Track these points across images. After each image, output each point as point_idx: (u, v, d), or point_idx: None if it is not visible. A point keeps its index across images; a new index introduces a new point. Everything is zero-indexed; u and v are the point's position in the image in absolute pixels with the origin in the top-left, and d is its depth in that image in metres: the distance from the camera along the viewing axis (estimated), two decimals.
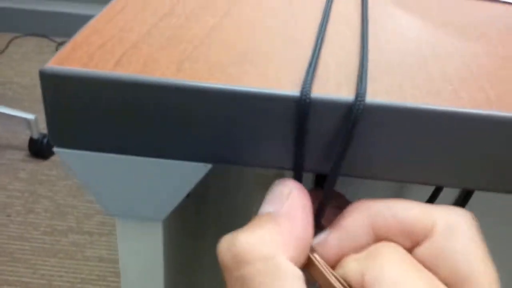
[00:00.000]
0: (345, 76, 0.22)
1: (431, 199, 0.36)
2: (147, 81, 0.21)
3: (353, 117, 0.20)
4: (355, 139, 0.21)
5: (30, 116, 1.60)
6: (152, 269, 0.26)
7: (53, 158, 1.64)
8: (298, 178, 0.21)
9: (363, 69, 0.21)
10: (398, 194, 0.41)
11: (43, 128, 1.72)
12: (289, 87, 0.21)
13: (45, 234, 1.40)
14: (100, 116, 0.22)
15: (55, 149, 0.23)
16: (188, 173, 0.23)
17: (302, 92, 0.19)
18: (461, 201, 0.37)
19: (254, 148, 0.22)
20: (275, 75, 0.22)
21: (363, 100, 0.20)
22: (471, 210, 0.20)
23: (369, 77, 0.22)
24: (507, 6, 0.32)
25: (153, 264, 0.26)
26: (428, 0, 0.31)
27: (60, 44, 2.28)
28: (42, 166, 1.62)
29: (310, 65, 0.21)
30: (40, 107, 1.88)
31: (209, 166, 0.23)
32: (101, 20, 0.26)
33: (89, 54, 0.22)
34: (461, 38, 0.26)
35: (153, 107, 0.21)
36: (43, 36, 2.33)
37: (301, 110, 0.19)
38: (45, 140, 1.61)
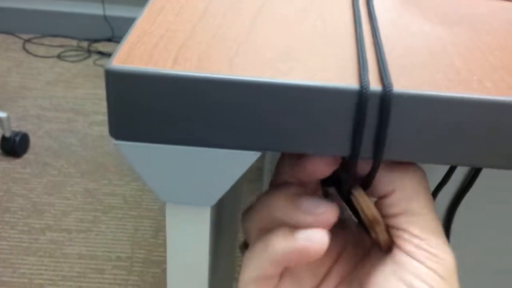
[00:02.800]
0: (378, 70, 0.24)
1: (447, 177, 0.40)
2: (208, 78, 0.23)
3: (385, 106, 0.23)
4: (393, 126, 0.23)
5: (1, 114, 1.57)
6: (198, 254, 0.28)
7: (25, 156, 1.62)
8: (353, 165, 0.24)
9: (382, 61, 0.24)
10: None
11: (14, 126, 1.69)
12: (337, 81, 0.23)
13: (22, 233, 1.39)
14: (160, 110, 0.24)
15: (115, 142, 0.25)
16: (239, 161, 0.25)
17: (362, 85, 0.22)
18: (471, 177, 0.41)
19: (301, 137, 0.24)
20: (321, 69, 0.24)
21: (391, 90, 0.22)
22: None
23: (402, 69, 0.24)
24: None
25: (199, 248, 0.28)
26: None
27: (27, 40, 2.24)
28: (15, 164, 1.60)
29: (362, 58, 0.23)
30: (11, 104, 1.85)
31: (258, 154, 0.25)
32: (145, 21, 0.27)
33: (147, 53, 0.24)
34: (474, 33, 0.29)
35: (208, 101, 0.23)
36: (9, 33, 2.28)
37: (362, 102, 0.22)
38: (17, 138, 1.59)
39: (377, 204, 0.27)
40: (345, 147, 0.24)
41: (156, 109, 0.24)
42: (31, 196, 1.50)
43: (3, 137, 1.60)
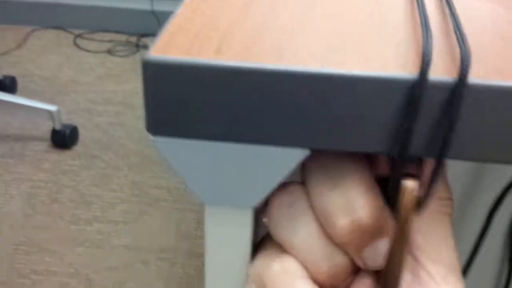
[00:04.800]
0: (451, 59, 0.22)
1: None
2: (253, 68, 0.21)
3: (456, 98, 0.20)
4: (460, 121, 0.21)
5: (52, 108, 1.61)
6: (238, 257, 0.27)
7: (75, 148, 1.66)
8: (403, 163, 0.22)
9: (463, 49, 0.22)
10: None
11: (65, 119, 1.73)
12: (394, 70, 0.21)
13: (70, 224, 1.41)
14: (200, 103, 0.22)
15: (152, 138, 0.23)
16: (284, 159, 0.23)
17: (420, 75, 0.20)
18: None
19: (354, 133, 0.22)
20: (376, 60, 0.22)
21: (465, 81, 0.20)
22: None
23: (472, 58, 0.22)
24: None
25: (239, 252, 0.26)
26: None
27: (78, 36, 2.29)
28: (65, 156, 1.63)
29: (425, 47, 0.21)
30: (62, 98, 1.90)
31: (306, 151, 0.23)
32: (187, 9, 0.26)
33: (188, 42, 0.23)
34: None
35: (253, 94, 0.22)
36: (61, 28, 2.34)
37: (419, 93, 0.20)
38: (67, 131, 1.62)
39: None
40: (394, 145, 0.21)
41: (196, 103, 0.22)
42: (80, 188, 1.53)
43: (54, 130, 1.64)
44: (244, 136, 0.23)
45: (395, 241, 0.23)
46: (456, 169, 0.44)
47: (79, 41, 2.27)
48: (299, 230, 0.24)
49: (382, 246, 0.24)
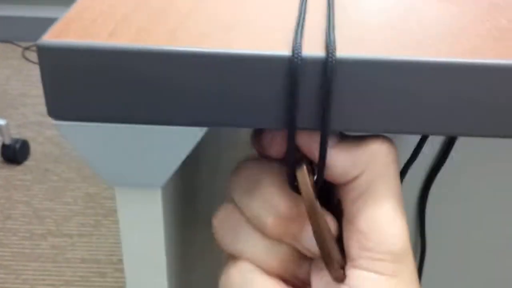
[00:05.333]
0: (323, 37, 0.23)
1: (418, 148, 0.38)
2: (142, 49, 0.22)
3: (328, 72, 0.21)
4: (337, 94, 0.22)
5: (1, 122, 1.57)
6: (153, 236, 0.27)
7: (26, 162, 1.62)
8: (291, 136, 0.23)
9: (330, 26, 0.23)
10: None
11: (14, 133, 1.70)
12: (274, 48, 0.22)
13: (24, 239, 1.38)
14: (96, 86, 0.23)
15: (54, 122, 0.24)
16: (184, 138, 0.24)
17: (293, 51, 0.21)
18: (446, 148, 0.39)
19: (246, 110, 0.23)
20: (262, 40, 0.23)
21: (334, 55, 0.21)
22: None
23: (350, 34, 0.23)
24: None
25: (153, 231, 0.27)
26: None
27: (26, 48, 2.25)
28: (16, 171, 1.60)
29: (298, 25, 0.22)
30: (10, 112, 1.86)
31: (204, 129, 0.24)
32: None
33: (83, 28, 0.23)
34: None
35: (147, 75, 0.22)
36: (9, 41, 2.29)
37: (293, 69, 0.21)
38: (17, 145, 1.59)
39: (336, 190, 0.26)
40: (282, 119, 0.23)
41: (91, 85, 0.23)
42: (33, 203, 1.49)
43: (3, 145, 1.60)
44: (142, 117, 0.23)
45: (313, 224, 0.24)
46: None
47: (27, 53, 2.23)
48: (242, 239, 0.27)
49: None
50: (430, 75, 0.22)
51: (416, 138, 0.40)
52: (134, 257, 0.28)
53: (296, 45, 0.21)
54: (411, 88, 0.22)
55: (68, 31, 0.23)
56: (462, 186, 0.45)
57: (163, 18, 0.25)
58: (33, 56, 2.22)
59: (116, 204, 0.26)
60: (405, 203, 0.26)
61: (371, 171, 0.24)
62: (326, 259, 0.24)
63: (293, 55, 0.21)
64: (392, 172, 0.25)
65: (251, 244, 0.27)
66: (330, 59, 0.21)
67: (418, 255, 0.46)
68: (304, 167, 0.24)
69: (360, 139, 0.25)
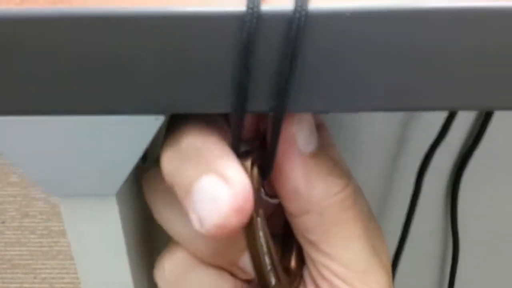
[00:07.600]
0: None
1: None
2: (62, 13, 0.16)
3: (295, 28, 0.15)
4: (306, 61, 0.16)
5: None
6: (113, 250, 0.22)
7: None
8: (240, 121, 0.17)
9: None
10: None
11: None
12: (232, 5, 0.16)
13: (42, 237, 1.36)
14: (12, 68, 0.17)
15: None
16: (137, 131, 0.19)
17: (248, 5, 0.15)
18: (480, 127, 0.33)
19: (192, 92, 0.17)
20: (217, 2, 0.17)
21: (304, 7, 0.15)
22: None
23: None
24: None
25: (112, 244, 0.22)
26: None
27: None
28: None
29: None
30: None
31: (161, 118, 0.18)
32: None
33: None
34: None
35: (71, 46, 0.17)
36: None
37: (249, 26, 0.15)
38: None
39: None
40: (231, 100, 0.17)
41: (6, 68, 0.17)
42: (50, 199, 1.47)
43: None
44: (79, 107, 0.18)
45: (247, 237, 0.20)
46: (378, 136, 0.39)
47: None
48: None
49: None
50: (448, 25, 0.16)
51: (443, 115, 0.34)
52: (92, 276, 0.23)
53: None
54: (414, 45, 0.16)
55: None
56: (500, 172, 0.38)
57: None
58: None
59: (63, 218, 0.21)
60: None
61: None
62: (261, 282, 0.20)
63: (247, 10, 0.15)
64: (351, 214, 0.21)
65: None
66: (298, 13, 0.15)
67: (450, 256, 0.40)
68: (250, 159, 0.19)
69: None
